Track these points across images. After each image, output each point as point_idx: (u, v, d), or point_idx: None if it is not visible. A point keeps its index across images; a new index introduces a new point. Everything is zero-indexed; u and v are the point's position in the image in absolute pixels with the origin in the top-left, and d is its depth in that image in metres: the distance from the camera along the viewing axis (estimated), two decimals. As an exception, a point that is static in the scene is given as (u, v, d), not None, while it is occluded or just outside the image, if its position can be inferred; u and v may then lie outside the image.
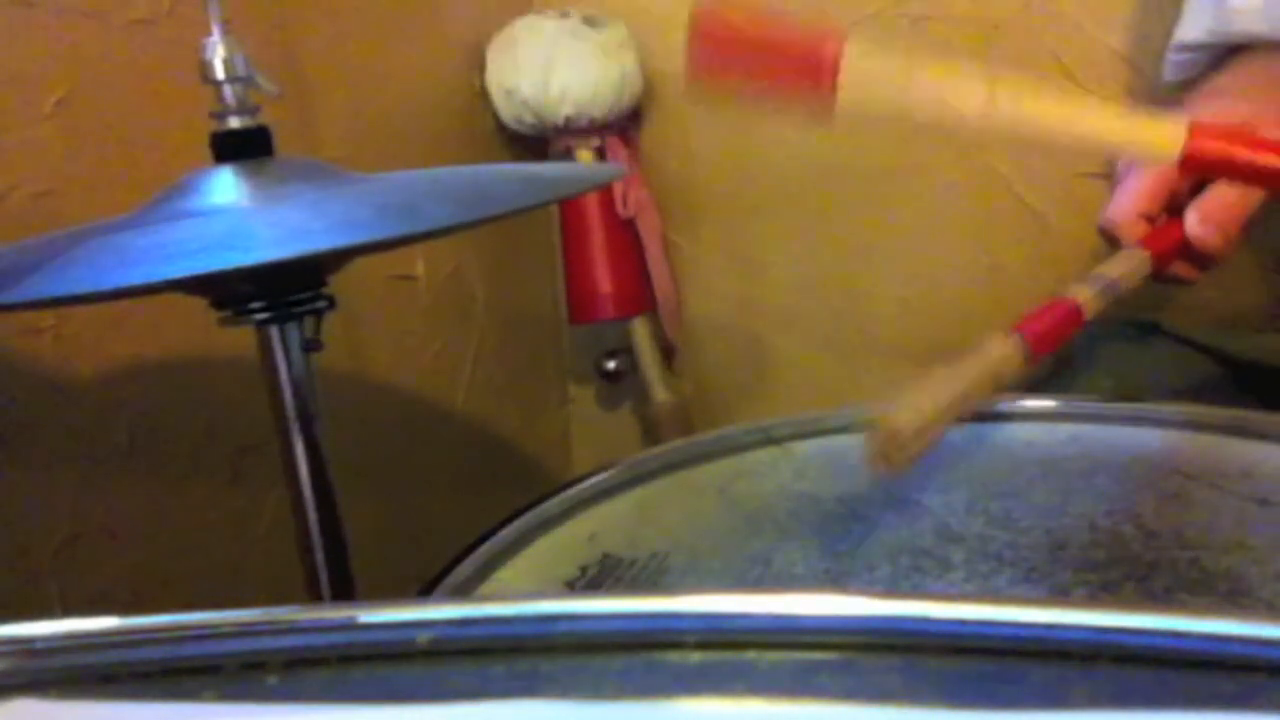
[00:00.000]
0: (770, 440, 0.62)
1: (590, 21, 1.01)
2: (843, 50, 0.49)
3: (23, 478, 0.72)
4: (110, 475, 0.77)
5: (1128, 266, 0.62)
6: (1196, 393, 0.70)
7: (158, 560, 0.80)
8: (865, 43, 0.50)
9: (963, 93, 0.52)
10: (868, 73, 0.50)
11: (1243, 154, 0.55)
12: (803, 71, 0.50)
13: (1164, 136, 0.54)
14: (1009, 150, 0.94)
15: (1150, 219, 0.65)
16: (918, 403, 0.48)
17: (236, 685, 0.25)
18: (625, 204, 1.05)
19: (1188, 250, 0.64)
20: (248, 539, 0.86)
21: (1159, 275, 0.65)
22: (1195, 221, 0.63)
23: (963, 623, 0.24)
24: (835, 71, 0.49)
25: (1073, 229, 0.95)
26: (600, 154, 1.05)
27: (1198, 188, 0.65)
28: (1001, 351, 0.54)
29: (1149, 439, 0.58)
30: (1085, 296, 0.59)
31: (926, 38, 0.98)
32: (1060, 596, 0.44)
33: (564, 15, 1.01)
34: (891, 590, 0.46)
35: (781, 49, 0.51)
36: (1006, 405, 0.62)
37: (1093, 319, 0.59)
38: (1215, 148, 0.53)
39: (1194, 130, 0.52)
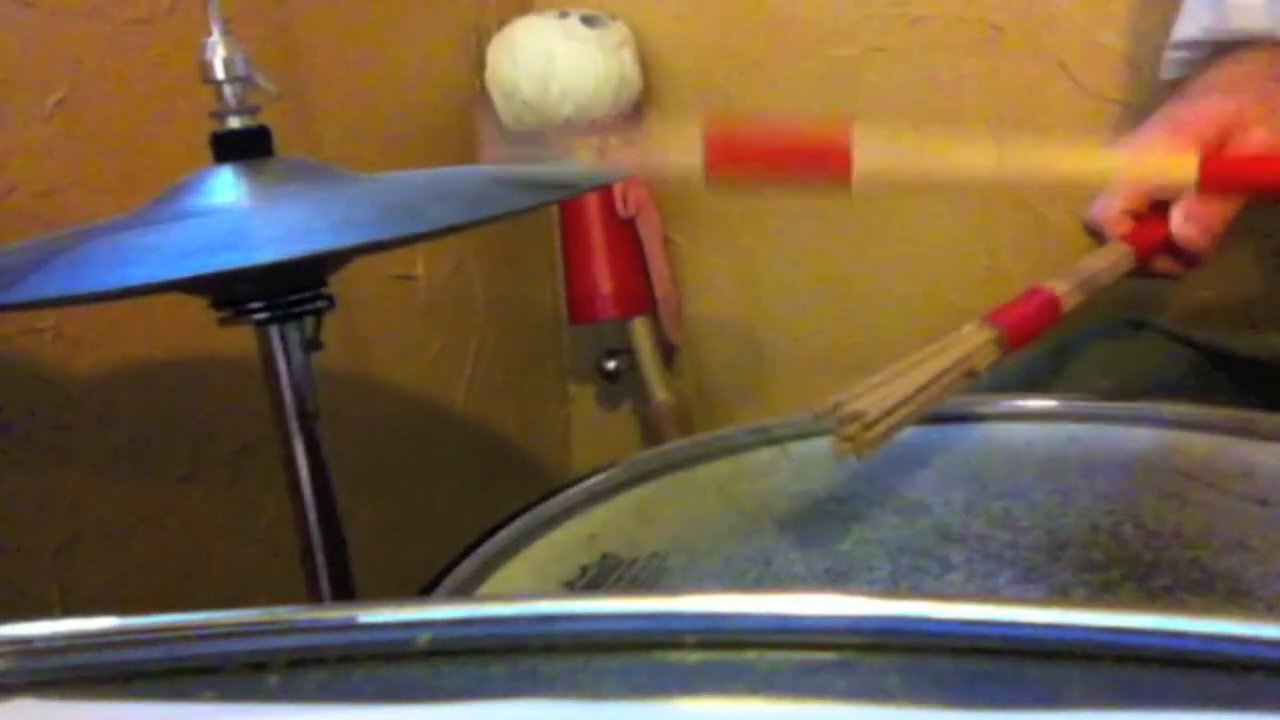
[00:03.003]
0: (771, 440, 0.62)
1: (590, 21, 1.01)
2: (852, 142, 0.50)
3: (23, 478, 0.72)
4: (110, 475, 0.77)
5: (1108, 260, 0.62)
6: (1187, 385, 0.71)
7: (158, 560, 0.80)
8: (873, 129, 0.51)
9: (973, 157, 0.53)
10: (880, 156, 0.51)
11: (1256, 175, 0.56)
12: (818, 167, 0.52)
13: (1177, 169, 0.55)
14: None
15: (1136, 215, 0.66)
16: (886, 388, 0.48)
17: (236, 685, 0.25)
18: (625, 204, 1.06)
19: (1172, 247, 0.65)
20: (248, 539, 0.86)
21: (1143, 271, 0.65)
22: (1180, 220, 0.64)
23: (963, 623, 0.24)
24: (848, 163, 0.51)
25: (1073, 229, 0.95)
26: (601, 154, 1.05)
27: None
28: (975, 340, 0.54)
29: (1149, 439, 0.57)
30: (1063, 289, 0.59)
31: (927, 38, 0.98)
32: (1060, 596, 0.44)
33: (564, 15, 1.01)
34: (891, 590, 0.46)
35: (794, 151, 0.52)
36: (1007, 405, 0.62)
37: (1070, 311, 0.59)
38: (1229, 171, 0.53)
39: (1206, 160, 0.53)
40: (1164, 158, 0.61)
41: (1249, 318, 0.90)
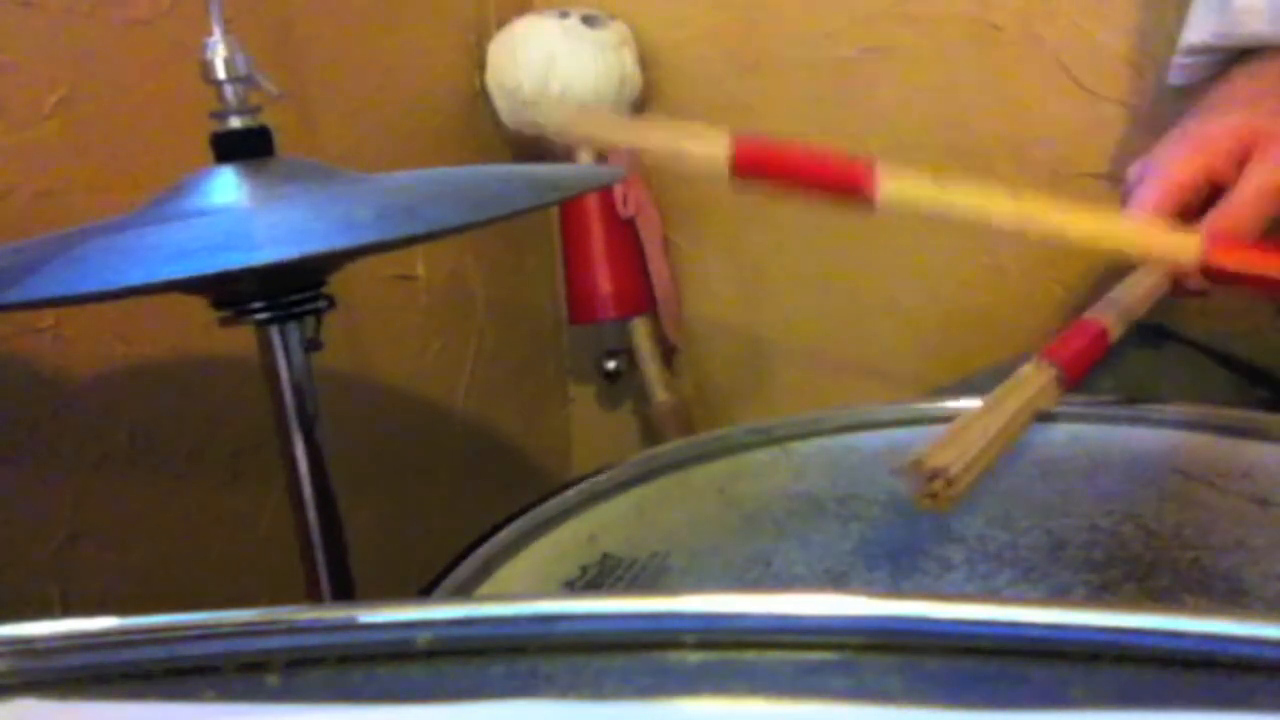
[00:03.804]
0: (771, 440, 0.62)
1: (590, 21, 1.01)
2: (876, 175, 0.51)
3: (23, 478, 0.72)
4: (110, 475, 0.77)
5: (1148, 286, 0.63)
6: (1208, 399, 0.71)
7: (158, 560, 0.80)
8: (895, 168, 0.52)
9: (992, 208, 0.53)
10: (902, 191, 0.52)
11: (1257, 266, 0.57)
12: (841, 189, 0.52)
13: (1181, 249, 0.56)
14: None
15: None
16: (962, 439, 0.48)
17: (236, 685, 0.25)
18: (625, 204, 1.05)
19: (1203, 266, 0.65)
20: (248, 539, 0.86)
21: (1175, 290, 0.65)
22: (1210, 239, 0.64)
23: (963, 623, 0.24)
24: (872, 190, 0.52)
25: (1073, 229, 0.95)
26: (600, 154, 1.05)
27: (1209, 201, 0.66)
28: (1038, 381, 0.55)
29: (1149, 439, 0.58)
30: (1110, 319, 0.60)
31: (926, 37, 0.98)
32: (1060, 596, 0.44)
33: (564, 15, 1.01)
34: (891, 590, 0.46)
35: (819, 170, 0.53)
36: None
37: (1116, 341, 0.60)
38: (1230, 260, 0.54)
39: (1209, 245, 0.54)
40: (1169, 237, 0.61)
41: (1251, 318, 0.90)
